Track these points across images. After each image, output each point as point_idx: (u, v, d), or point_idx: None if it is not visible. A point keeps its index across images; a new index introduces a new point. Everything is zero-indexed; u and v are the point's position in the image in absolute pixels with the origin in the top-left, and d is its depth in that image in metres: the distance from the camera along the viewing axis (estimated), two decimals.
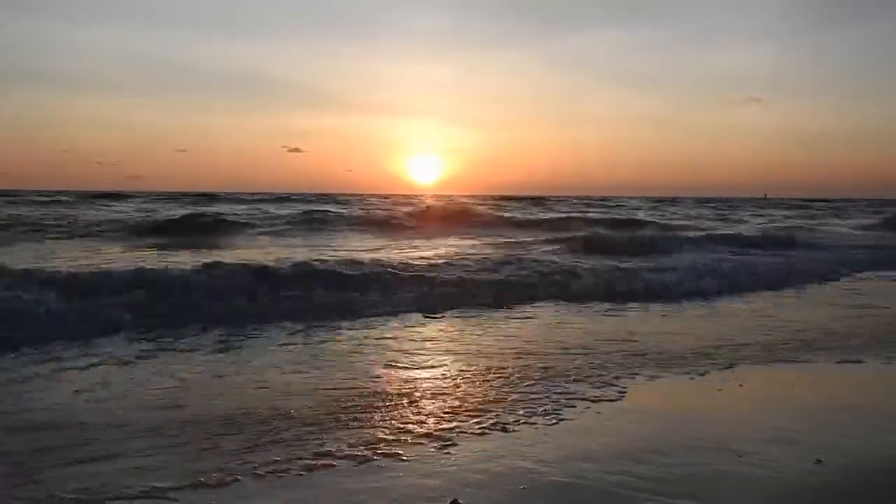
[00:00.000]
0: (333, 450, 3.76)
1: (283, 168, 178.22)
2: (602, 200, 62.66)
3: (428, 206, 31.60)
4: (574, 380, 5.25)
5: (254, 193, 63.84)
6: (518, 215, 31.77)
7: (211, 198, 48.12)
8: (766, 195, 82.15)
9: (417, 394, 4.88)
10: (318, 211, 28.99)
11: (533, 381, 5.18)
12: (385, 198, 61.93)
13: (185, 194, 54.82)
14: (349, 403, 4.58)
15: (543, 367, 5.61)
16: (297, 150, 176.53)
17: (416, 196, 66.79)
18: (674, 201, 67.37)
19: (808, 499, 3.22)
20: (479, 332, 7.15)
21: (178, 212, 26.58)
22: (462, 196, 63.00)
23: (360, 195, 72.42)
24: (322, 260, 10.46)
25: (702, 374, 5.52)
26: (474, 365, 5.71)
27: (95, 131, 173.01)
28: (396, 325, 7.55)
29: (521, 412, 4.44)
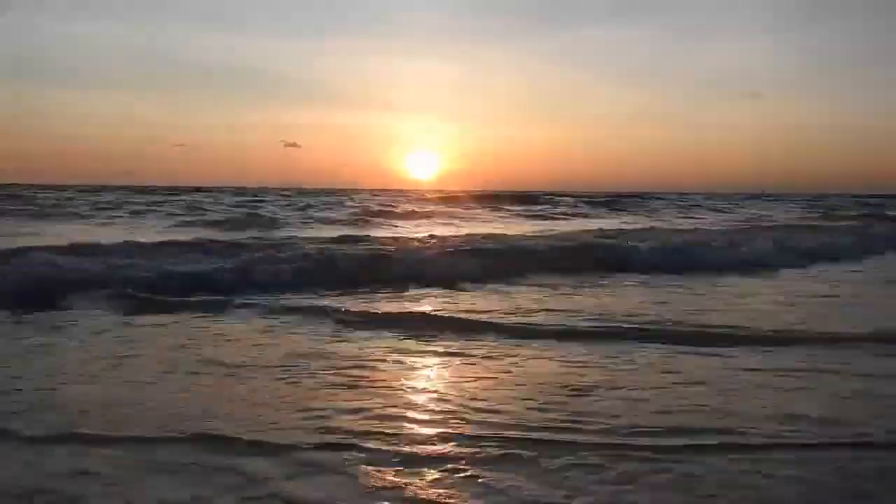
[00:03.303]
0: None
1: (280, 163, 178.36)
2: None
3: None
4: None
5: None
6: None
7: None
8: (763, 192, 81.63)
9: None
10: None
11: None
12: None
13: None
14: None
15: None
16: (294, 144, 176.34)
17: (415, 191, 66.37)
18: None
19: None
20: None
21: None
22: (459, 192, 62.29)
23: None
24: None
25: None
26: None
27: (93, 126, 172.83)
28: None
29: None
